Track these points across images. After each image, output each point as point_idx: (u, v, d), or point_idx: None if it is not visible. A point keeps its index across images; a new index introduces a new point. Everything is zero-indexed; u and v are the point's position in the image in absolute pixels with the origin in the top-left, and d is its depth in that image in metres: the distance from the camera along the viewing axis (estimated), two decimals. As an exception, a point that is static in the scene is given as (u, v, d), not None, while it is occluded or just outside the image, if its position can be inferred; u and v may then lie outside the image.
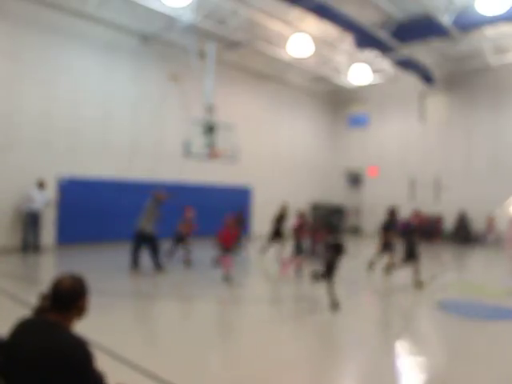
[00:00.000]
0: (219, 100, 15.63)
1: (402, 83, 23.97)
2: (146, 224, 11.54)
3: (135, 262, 11.58)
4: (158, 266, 11.56)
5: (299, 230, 12.93)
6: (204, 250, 13.61)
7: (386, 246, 12.06)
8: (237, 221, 11.36)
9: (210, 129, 14.01)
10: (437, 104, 24.07)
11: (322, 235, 13.19)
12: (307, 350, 6.27)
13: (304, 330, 7.30)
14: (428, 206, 22.27)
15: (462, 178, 22.47)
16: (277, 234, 14.62)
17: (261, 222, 21.78)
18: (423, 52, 20.35)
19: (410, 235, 11.09)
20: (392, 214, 12.57)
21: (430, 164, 23.62)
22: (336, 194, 26.65)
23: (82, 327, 3.27)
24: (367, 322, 7.96)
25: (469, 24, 17.18)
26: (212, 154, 14.03)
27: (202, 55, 16.29)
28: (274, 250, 14.54)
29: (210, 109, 14.33)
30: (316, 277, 8.53)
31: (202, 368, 5.49)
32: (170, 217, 12.70)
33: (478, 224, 21.48)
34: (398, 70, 21.86)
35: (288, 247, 13.86)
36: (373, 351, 6.34)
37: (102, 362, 3.49)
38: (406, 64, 20.74)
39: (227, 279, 10.43)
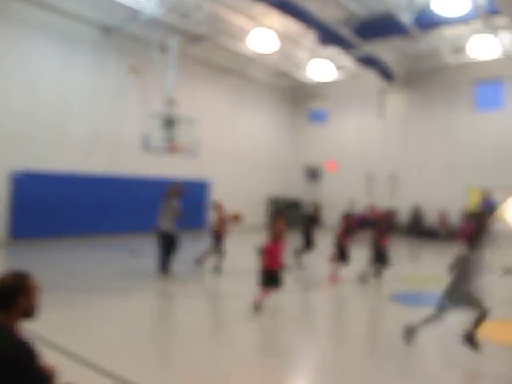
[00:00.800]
0: (181, 94, 15.56)
1: (363, 80, 24.35)
2: (165, 222, 10.47)
3: (164, 267, 10.51)
4: (165, 269, 10.43)
5: (344, 235, 11.01)
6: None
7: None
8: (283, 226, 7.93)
9: (169, 122, 13.93)
10: (396, 101, 24.56)
11: (386, 238, 10.81)
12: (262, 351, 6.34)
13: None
14: (384, 200, 22.76)
15: (417, 173, 23.05)
16: (309, 241, 12.50)
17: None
18: (384, 50, 20.70)
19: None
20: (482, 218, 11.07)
21: (387, 159, 24.11)
22: (295, 188, 26.91)
23: (37, 324, 3.23)
24: (320, 314, 8.13)
25: (428, 24, 17.62)
26: (172, 147, 13.98)
27: (164, 49, 16.18)
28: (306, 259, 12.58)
29: (170, 102, 14.27)
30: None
31: (160, 365, 5.47)
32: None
33: (431, 218, 22.05)
34: (359, 66, 22.20)
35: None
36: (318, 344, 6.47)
37: (55, 360, 3.48)
38: (367, 61, 21.09)
39: (257, 308, 7.55)
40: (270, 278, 7.52)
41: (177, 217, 10.66)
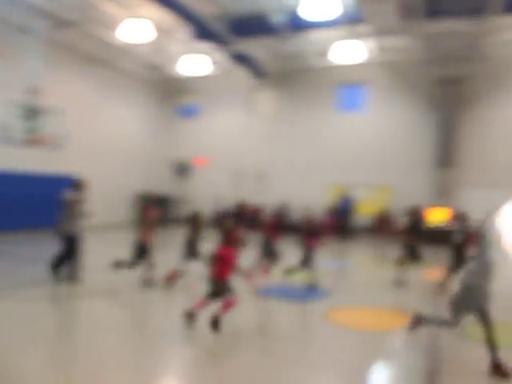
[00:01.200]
0: (46, 82, 14.69)
1: (235, 76, 24.74)
2: (66, 222, 9.46)
3: (57, 268, 9.55)
4: (73, 274, 9.49)
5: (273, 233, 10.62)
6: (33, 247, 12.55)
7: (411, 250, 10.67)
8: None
9: (32, 113, 13.07)
10: (266, 99, 25.32)
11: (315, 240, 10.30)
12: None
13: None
14: (253, 196, 23.41)
15: (284, 170, 24.06)
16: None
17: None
18: (256, 48, 21.19)
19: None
20: (415, 214, 11.16)
21: (256, 156, 24.82)
22: (164, 183, 26.63)
23: None
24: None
25: (297, 26, 18.39)
26: (34, 140, 13.13)
27: (27, 32, 15.12)
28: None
29: (34, 91, 13.41)
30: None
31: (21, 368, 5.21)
32: None
33: (297, 214, 23.06)
34: (231, 63, 22.51)
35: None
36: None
37: None
38: (240, 58, 21.52)
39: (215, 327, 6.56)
40: (217, 289, 6.60)
41: (81, 216, 9.72)
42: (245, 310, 8.07)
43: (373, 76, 22.65)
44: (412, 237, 10.81)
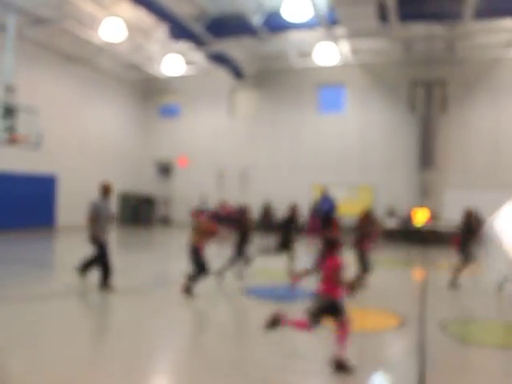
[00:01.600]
0: (20, 80, 14.32)
1: (214, 77, 24.59)
2: (95, 228, 8.95)
3: (86, 267, 9.23)
4: (105, 282, 8.89)
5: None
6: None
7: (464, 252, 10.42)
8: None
9: (8, 111, 12.70)
10: (246, 99, 25.23)
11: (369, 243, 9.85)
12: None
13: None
14: (235, 196, 23.30)
15: (267, 170, 23.99)
16: (285, 243, 11.57)
17: (67, 212, 20.60)
18: (235, 48, 21.11)
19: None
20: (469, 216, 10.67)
21: (238, 156, 24.71)
22: (146, 183, 26.37)
23: None
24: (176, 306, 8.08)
25: (276, 27, 18.32)
26: (11, 139, 12.76)
27: (1, 29, 14.74)
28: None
29: (9, 89, 13.03)
30: None
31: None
32: None
33: (281, 214, 23.00)
34: (210, 63, 22.36)
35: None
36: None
37: None
38: (218, 58, 21.39)
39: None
40: (326, 311, 5.28)
41: (108, 222, 9.23)
42: (229, 310, 7.99)
43: (352, 77, 22.77)
44: (467, 239, 10.76)
